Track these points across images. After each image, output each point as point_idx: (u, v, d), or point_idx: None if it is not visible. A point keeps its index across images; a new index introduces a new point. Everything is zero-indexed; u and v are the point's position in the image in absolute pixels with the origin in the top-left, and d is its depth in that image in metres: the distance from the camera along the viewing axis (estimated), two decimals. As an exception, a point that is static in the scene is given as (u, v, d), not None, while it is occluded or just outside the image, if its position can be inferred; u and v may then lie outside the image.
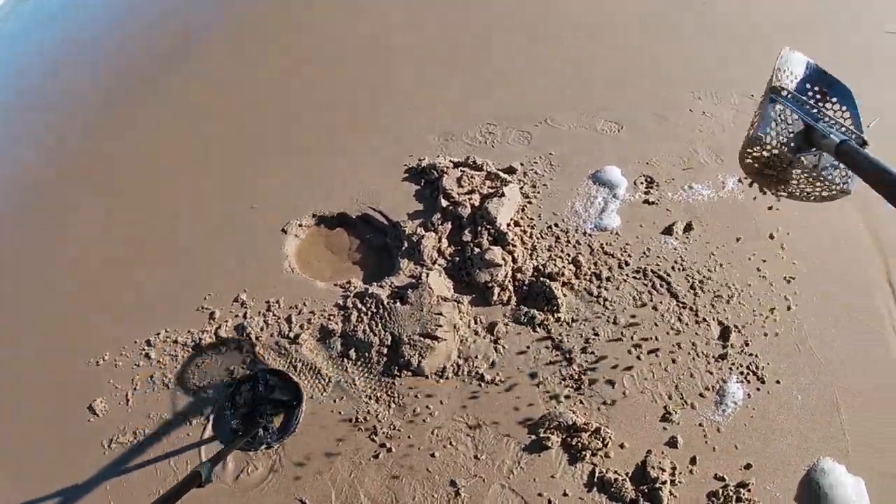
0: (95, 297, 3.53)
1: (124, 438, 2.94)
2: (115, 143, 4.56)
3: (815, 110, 1.59)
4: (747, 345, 2.90)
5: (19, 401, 3.21)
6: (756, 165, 1.68)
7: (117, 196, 4.12)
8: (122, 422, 3.00)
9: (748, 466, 2.59)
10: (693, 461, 2.61)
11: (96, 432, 2.99)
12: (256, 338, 3.13)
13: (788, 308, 3.01)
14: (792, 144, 1.59)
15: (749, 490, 2.51)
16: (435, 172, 3.63)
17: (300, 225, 3.63)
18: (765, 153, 1.61)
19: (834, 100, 1.71)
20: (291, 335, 3.10)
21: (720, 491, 2.52)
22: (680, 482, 2.57)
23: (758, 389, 2.78)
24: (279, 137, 4.23)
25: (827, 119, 1.57)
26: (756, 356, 2.87)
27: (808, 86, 1.71)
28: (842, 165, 1.55)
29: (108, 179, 4.28)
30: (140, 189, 4.11)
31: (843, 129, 1.55)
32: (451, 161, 3.71)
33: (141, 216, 3.92)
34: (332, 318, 3.14)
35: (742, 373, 2.82)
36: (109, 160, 4.44)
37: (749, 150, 1.64)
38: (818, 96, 1.71)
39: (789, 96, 1.59)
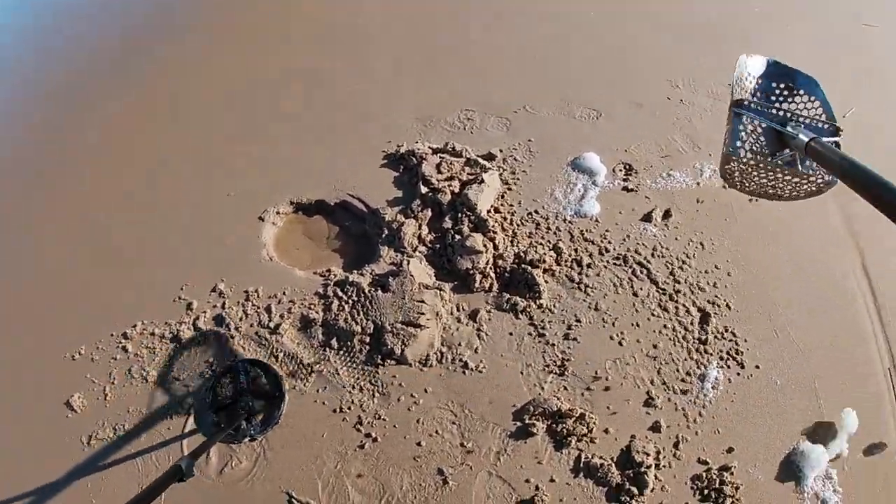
0: (69, 289, 3.39)
1: (104, 434, 2.84)
2: (83, 130, 4.38)
3: (782, 112, 1.59)
4: (727, 330, 2.94)
5: None
6: (738, 178, 1.69)
7: (86, 186, 3.95)
8: (100, 417, 2.90)
9: (730, 450, 2.64)
10: (676, 445, 2.65)
11: (75, 428, 2.88)
12: (236, 328, 3.06)
13: (767, 294, 3.06)
14: (766, 150, 1.59)
15: (732, 473, 2.56)
16: (414, 159, 3.59)
17: (278, 212, 3.55)
18: (742, 166, 1.61)
19: (801, 92, 1.73)
20: (272, 325, 3.04)
21: (704, 474, 2.57)
22: (664, 466, 2.61)
23: (738, 374, 2.83)
24: (254, 124, 4.13)
25: (794, 117, 1.58)
26: (735, 342, 2.91)
27: (773, 84, 1.72)
28: None
29: (77, 170, 4.11)
30: (110, 179, 3.96)
31: (813, 122, 1.56)
32: (430, 147, 3.67)
33: (112, 206, 3.77)
34: (312, 307, 3.08)
35: (722, 358, 2.86)
36: (78, 148, 4.27)
37: (726, 167, 1.65)
38: (785, 92, 1.72)
39: (752, 106, 1.59)
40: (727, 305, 3.02)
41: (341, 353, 2.93)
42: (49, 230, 3.72)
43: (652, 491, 2.54)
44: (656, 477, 2.57)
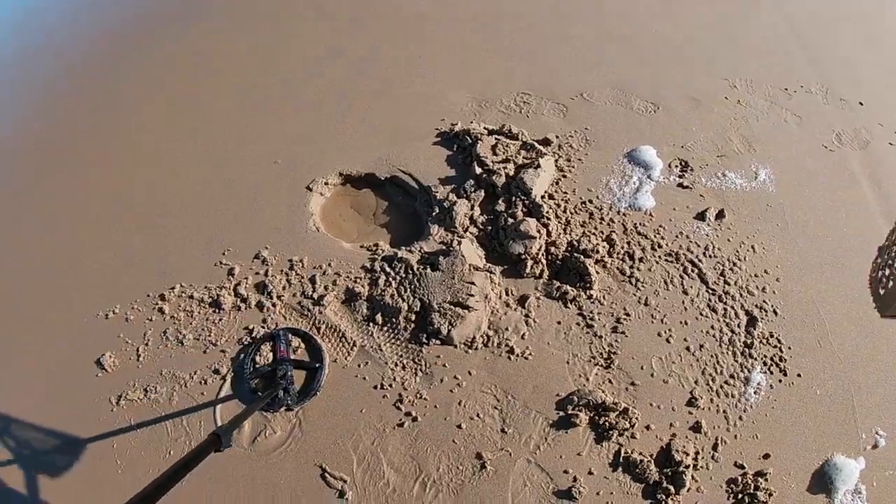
0: (107, 247, 3.37)
1: (134, 395, 2.81)
2: (127, 90, 4.36)
3: None
4: (772, 336, 2.89)
5: (23, 351, 3.04)
6: None
7: (136, 147, 3.93)
8: (131, 378, 2.87)
9: (766, 456, 2.59)
10: (715, 447, 2.61)
11: (104, 388, 2.85)
12: (278, 297, 3.03)
13: (813, 303, 3.01)
14: None
15: (766, 480, 2.52)
16: (469, 139, 3.53)
17: (326, 183, 3.51)
18: None
19: None
20: (315, 296, 3.01)
21: (739, 478, 2.53)
22: (702, 467, 2.57)
23: (780, 381, 2.78)
24: (306, 93, 4.09)
25: None
26: (780, 348, 2.86)
27: None
28: None
29: (121, 129, 4.09)
30: (160, 140, 3.93)
31: None
32: (485, 128, 3.61)
33: (161, 167, 3.75)
34: (358, 280, 3.05)
35: (766, 363, 2.82)
36: (124, 107, 4.25)
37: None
38: None
39: None
40: (774, 311, 2.97)
41: (385, 329, 2.89)
42: (92, 188, 3.71)
43: (688, 491, 2.50)
44: (693, 477, 2.52)
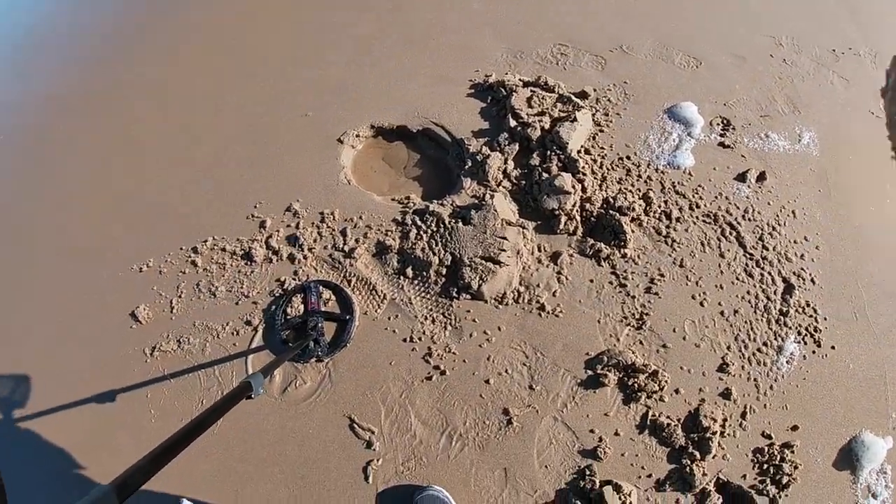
0: (140, 201, 3.36)
1: (167, 346, 2.84)
2: (156, 40, 4.32)
3: None
4: (808, 305, 2.83)
5: (60, 305, 3.08)
6: None
7: (162, 98, 3.90)
8: (165, 329, 2.90)
9: (795, 428, 2.55)
10: (744, 416, 2.58)
11: (138, 339, 2.88)
12: (309, 249, 3.02)
13: (852, 274, 2.93)
14: None
15: (793, 451, 2.49)
16: (503, 90, 3.43)
17: (357, 135, 3.45)
18: None
19: None
20: (346, 249, 2.99)
21: (766, 448, 2.50)
22: (729, 434, 2.54)
23: (813, 352, 2.71)
24: (333, 43, 3.99)
25: None
26: (815, 318, 2.79)
27: None
28: None
29: (153, 81, 4.06)
30: (191, 94, 3.89)
31: None
32: (520, 80, 3.51)
33: (192, 120, 3.71)
34: (389, 233, 3.02)
35: (800, 333, 2.75)
36: (153, 57, 4.23)
37: None
38: None
39: None
40: (812, 280, 2.90)
41: (416, 282, 2.87)
42: (123, 142, 3.69)
43: (713, 458, 2.48)
44: (720, 444, 2.50)
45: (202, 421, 1.43)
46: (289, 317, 2.82)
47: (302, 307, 2.84)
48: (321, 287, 2.87)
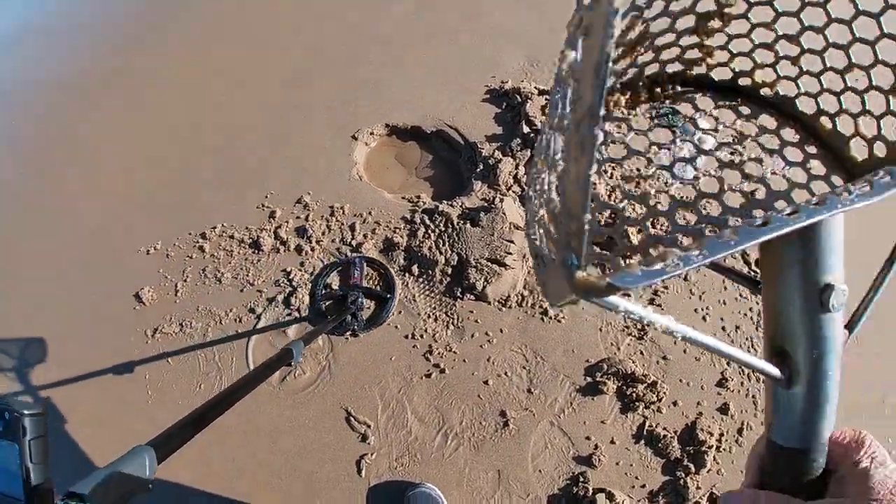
0: (150, 185, 3.42)
1: (169, 329, 2.88)
2: (169, 28, 4.40)
3: None
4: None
5: (67, 284, 3.14)
6: None
7: (178, 84, 3.97)
8: (168, 312, 2.94)
9: (790, 447, 2.54)
10: (740, 431, 2.57)
11: (140, 320, 2.93)
12: (317, 241, 3.05)
13: (854, 298, 2.91)
14: None
15: (787, 471, 2.48)
16: (518, 97, 3.46)
17: (371, 133, 3.49)
18: None
19: None
20: (354, 243, 3.02)
21: (760, 466, 2.49)
22: (724, 450, 2.53)
23: (812, 373, 2.71)
24: (352, 44, 4.04)
25: None
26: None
27: None
28: None
29: (167, 66, 4.13)
30: (208, 82, 3.95)
31: None
32: (536, 87, 3.53)
33: (204, 106, 3.77)
34: (397, 230, 3.05)
35: (800, 352, 2.74)
36: (172, 42, 4.30)
37: None
38: None
39: None
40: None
41: (421, 280, 2.90)
42: (135, 124, 3.75)
43: (708, 472, 2.47)
44: (715, 459, 2.50)
45: (243, 384, 1.47)
46: (330, 290, 2.87)
47: (343, 281, 2.92)
48: (366, 264, 2.91)
